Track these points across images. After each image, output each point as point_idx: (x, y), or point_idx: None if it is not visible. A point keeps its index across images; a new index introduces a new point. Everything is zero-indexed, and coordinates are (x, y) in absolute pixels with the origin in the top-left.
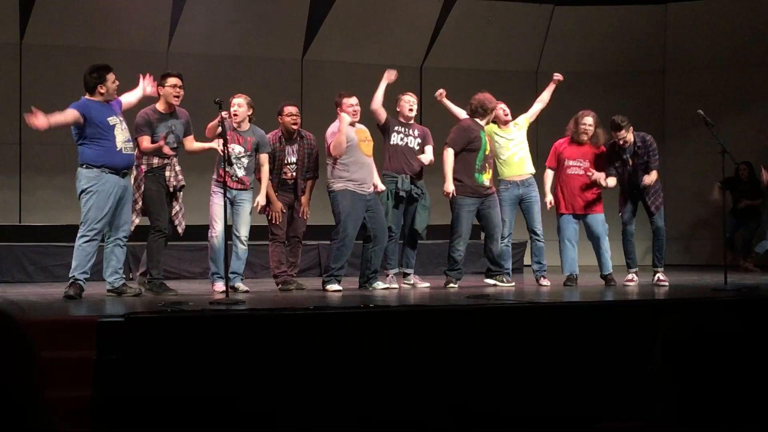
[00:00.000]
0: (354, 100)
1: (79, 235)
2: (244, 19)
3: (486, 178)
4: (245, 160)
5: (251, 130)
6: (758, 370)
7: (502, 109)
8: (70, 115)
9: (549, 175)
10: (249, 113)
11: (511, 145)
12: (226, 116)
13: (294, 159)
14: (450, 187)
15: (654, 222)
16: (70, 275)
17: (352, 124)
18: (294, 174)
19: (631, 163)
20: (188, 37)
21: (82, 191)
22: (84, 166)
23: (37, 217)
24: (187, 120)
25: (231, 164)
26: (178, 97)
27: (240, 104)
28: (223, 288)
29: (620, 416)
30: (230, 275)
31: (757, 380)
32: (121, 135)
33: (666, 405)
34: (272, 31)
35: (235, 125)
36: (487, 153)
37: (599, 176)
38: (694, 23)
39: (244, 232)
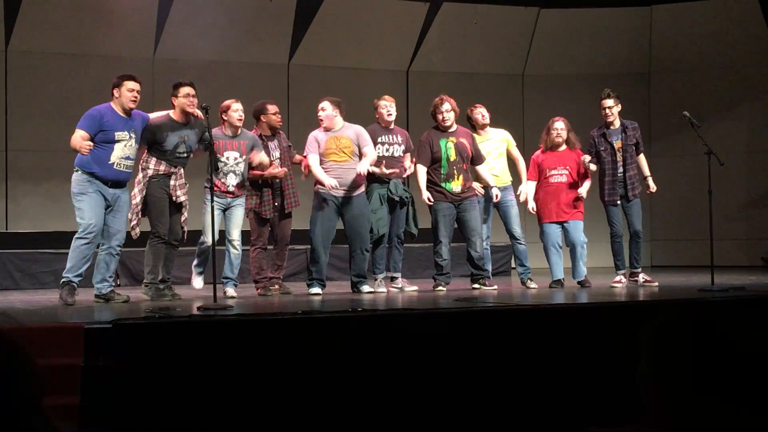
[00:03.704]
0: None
1: (76, 236)
2: (230, 24)
3: (455, 185)
4: (241, 166)
5: (243, 134)
6: (747, 369)
7: (480, 113)
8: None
9: (531, 186)
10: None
11: (483, 152)
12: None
13: (278, 154)
14: (425, 194)
15: (632, 225)
16: (63, 275)
17: (328, 129)
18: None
19: (618, 145)
20: (174, 42)
21: (74, 195)
22: (77, 169)
23: (23, 224)
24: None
25: (217, 169)
26: (192, 105)
27: (243, 110)
28: (202, 284)
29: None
30: (223, 280)
31: (746, 379)
32: (121, 151)
33: (654, 406)
34: (258, 35)
35: (230, 132)
36: (451, 160)
37: (585, 158)
38: (679, 25)
39: (236, 235)
